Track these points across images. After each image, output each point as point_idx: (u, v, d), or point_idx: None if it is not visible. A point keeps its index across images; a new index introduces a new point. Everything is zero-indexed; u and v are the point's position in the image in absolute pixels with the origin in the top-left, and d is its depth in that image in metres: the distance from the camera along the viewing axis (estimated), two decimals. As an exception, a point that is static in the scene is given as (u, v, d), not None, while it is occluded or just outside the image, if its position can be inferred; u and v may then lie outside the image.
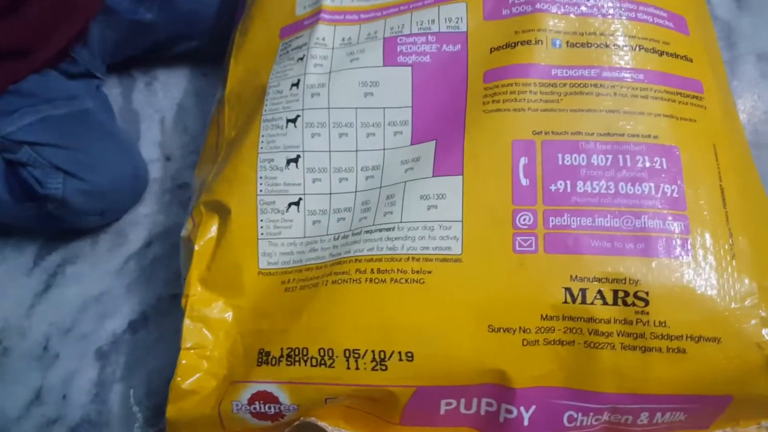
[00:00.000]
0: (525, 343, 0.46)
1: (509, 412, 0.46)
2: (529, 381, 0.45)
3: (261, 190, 0.54)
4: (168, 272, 0.70)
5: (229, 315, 0.51)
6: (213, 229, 0.54)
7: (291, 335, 0.48)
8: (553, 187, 0.48)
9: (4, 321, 0.69)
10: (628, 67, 0.51)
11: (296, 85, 0.57)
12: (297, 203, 0.53)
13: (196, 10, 0.77)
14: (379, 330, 0.47)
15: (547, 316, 0.46)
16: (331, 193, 0.53)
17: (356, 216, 0.50)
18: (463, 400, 0.47)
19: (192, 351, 0.51)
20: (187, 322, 0.51)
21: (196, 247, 0.53)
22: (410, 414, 0.47)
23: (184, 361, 0.50)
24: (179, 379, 0.49)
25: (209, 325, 0.51)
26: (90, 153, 0.67)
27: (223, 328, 0.51)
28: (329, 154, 0.54)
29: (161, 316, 0.67)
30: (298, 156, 0.54)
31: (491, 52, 0.53)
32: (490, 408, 0.47)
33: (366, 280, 0.48)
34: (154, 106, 0.82)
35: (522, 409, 0.46)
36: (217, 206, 0.54)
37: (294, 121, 0.55)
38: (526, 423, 0.46)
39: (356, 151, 0.53)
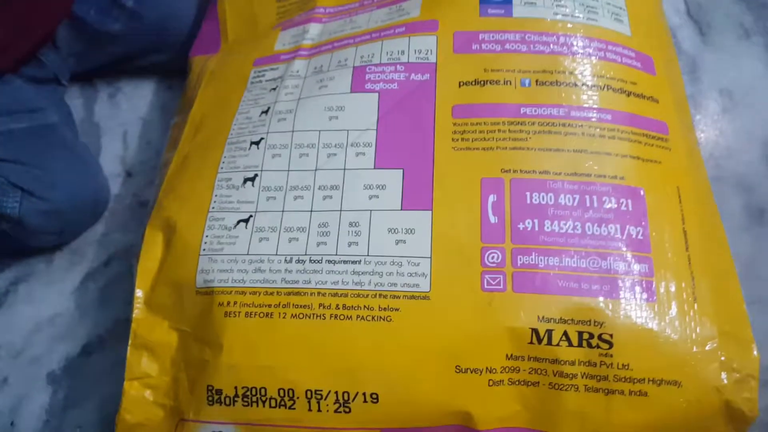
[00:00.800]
0: (491, 383, 0.45)
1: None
2: (494, 422, 0.45)
3: (213, 207, 0.52)
4: (127, 293, 0.67)
5: (172, 340, 0.50)
6: (158, 248, 0.52)
7: (247, 373, 0.46)
8: (521, 226, 0.47)
9: (-49, 341, 0.65)
10: (596, 107, 0.51)
11: (265, 112, 0.56)
12: (246, 220, 0.51)
13: (165, 24, 0.75)
14: (344, 370, 0.45)
15: (513, 355, 0.45)
16: (283, 211, 0.51)
17: (312, 238, 0.49)
18: (428, 441, 0.46)
19: (136, 381, 0.49)
20: (130, 350, 0.49)
21: (139, 268, 0.52)
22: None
23: (129, 393, 0.48)
24: (125, 411, 0.48)
25: (153, 351, 0.50)
26: (50, 171, 0.64)
27: (167, 354, 0.49)
28: (287, 173, 0.52)
29: (118, 340, 0.64)
30: (256, 175, 0.53)
31: (460, 86, 0.53)
32: (456, 449, 0.46)
33: (331, 317, 0.46)
34: (117, 119, 0.80)
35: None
36: (164, 223, 0.53)
37: (257, 143, 0.54)
38: None
39: (315, 170, 0.52)
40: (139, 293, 0.50)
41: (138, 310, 0.50)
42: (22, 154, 0.64)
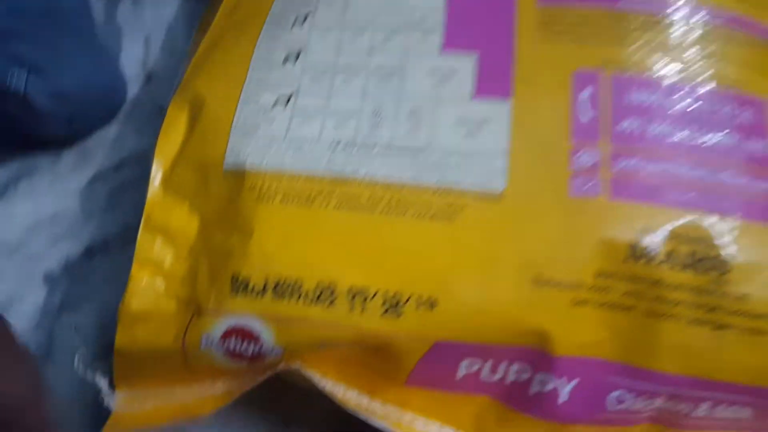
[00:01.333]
0: (575, 302, 0.37)
1: (544, 383, 0.37)
2: (575, 348, 0.37)
3: (248, 85, 0.44)
4: (138, 200, 0.58)
5: (192, 226, 0.42)
6: (181, 125, 0.45)
7: (280, 263, 0.38)
8: (622, 125, 0.40)
9: (-60, 232, 0.57)
10: (712, 6, 0.42)
11: None
12: (287, 100, 0.43)
13: None
14: (396, 269, 0.37)
15: (604, 273, 0.37)
16: (331, 92, 0.43)
17: (364, 124, 0.41)
18: (489, 363, 0.37)
19: (146, 268, 0.41)
20: (141, 233, 0.42)
21: (158, 145, 0.44)
22: (421, 373, 0.38)
23: (137, 279, 0.41)
24: (130, 299, 0.40)
25: (169, 236, 0.42)
26: (62, 52, 0.56)
27: (185, 241, 0.41)
28: (336, 53, 0.44)
29: (124, 246, 0.56)
30: (300, 52, 0.45)
31: None
32: (522, 376, 0.38)
33: (382, 211, 0.38)
34: (140, 24, 0.72)
35: (561, 381, 0.37)
36: (191, 100, 0.45)
37: (303, 20, 0.46)
38: (562, 399, 0.37)
39: (370, 52, 0.44)
40: (156, 173, 0.42)
41: (154, 192, 0.42)
42: (33, 31, 0.56)
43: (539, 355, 0.37)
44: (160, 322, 0.39)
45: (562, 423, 0.38)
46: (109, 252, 0.57)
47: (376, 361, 0.38)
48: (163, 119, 0.65)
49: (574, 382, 0.37)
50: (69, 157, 0.63)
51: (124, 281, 0.54)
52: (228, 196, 0.40)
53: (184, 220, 0.40)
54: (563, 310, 0.37)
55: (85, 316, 0.53)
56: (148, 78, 0.68)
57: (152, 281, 0.39)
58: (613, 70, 0.41)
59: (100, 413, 0.43)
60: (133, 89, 0.67)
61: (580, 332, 0.37)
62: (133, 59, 0.69)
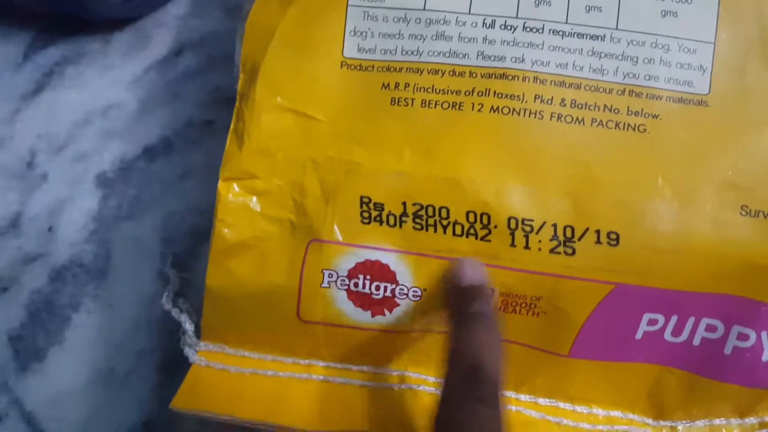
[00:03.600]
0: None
1: (744, 338, 0.28)
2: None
3: None
4: (201, 92, 0.49)
5: (294, 129, 0.31)
6: None
7: (421, 185, 0.29)
8: None
9: (-23, 124, 0.48)
10: None
11: None
12: None
13: None
14: (570, 194, 0.28)
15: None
16: None
17: None
18: (674, 319, 0.29)
19: (236, 182, 0.31)
20: (230, 137, 0.32)
21: (247, 24, 0.33)
22: (590, 336, 0.29)
23: (225, 197, 0.31)
24: (222, 225, 0.30)
25: (263, 140, 0.31)
26: None
27: (284, 149, 0.31)
28: None
29: (189, 145, 0.47)
30: None
31: None
32: (711, 335, 0.29)
33: (552, 116, 0.28)
34: None
35: (765, 335, 0.28)
36: None
37: None
38: (766, 357, 0.28)
39: None
40: (245, 58, 0.32)
41: (243, 81, 0.31)
42: None
43: (739, 305, 0.29)
44: (265, 252, 0.29)
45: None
46: (171, 153, 0.48)
47: (533, 323, 0.29)
48: (228, -1, 0.54)
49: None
50: (121, 40, 0.53)
51: (188, 190, 0.45)
52: (347, 96, 0.30)
53: (282, 122, 0.30)
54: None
55: (147, 228, 0.44)
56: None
57: (245, 201, 0.30)
58: None
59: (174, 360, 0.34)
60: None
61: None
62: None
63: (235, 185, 0.31)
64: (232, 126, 0.32)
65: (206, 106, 0.50)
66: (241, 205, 0.31)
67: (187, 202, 0.47)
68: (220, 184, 0.31)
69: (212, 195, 0.34)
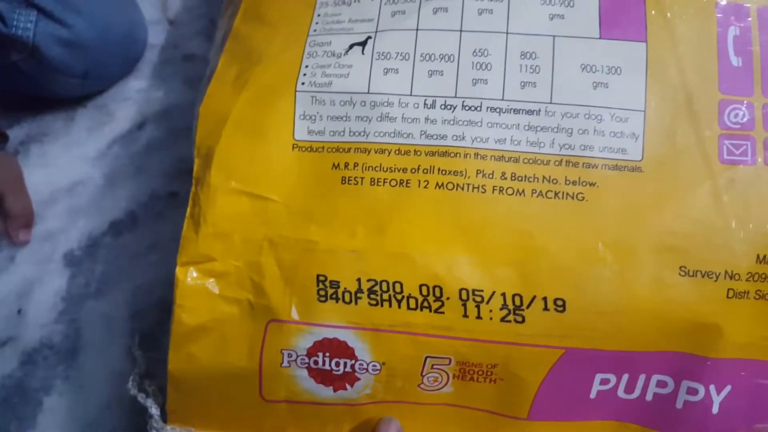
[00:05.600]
0: (731, 294, 0.29)
1: (693, 392, 0.29)
2: (730, 350, 0.29)
3: (315, 30, 0.35)
4: (165, 163, 0.50)
5: (249, 210, 0.32)
6: (228, 85, 0.34)
7: (375, 261, 0.30)
8: None
9: (-57, 207, 0.48)
10: None
11: None
12: (363, 43, 0.33)
13: None
14: (516, 264, 0.29)
15: (765, 258, 0.29)
16: (418, 29, 0.33)
17: (465, 72, 0.32)
18: (626, 377, 0.30)
19: (193, 266, 0.32)
20: (187, 222, 0.33)
21: (201, 109, 0.34)
22: (547, 398, 0.30)
23: (183, 282, 0.31)
24: (181, 310, 0.31)
25: (219, 223, 0.32)
26: (75, -10, 0.46)
27: (241, 229, 0.32)
28: None
29: (155, 218, 0.47)
30: None
31: None
32: (662, 390, 0.30)
33: (495, 189, 0.29)
34: (157, -42, 0.60)
35: (713, 388, 0.29)
36: (243, 53, 0.35)
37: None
38: (715, 410, 0.29)
39: None
40: (201, 144, 0.32)
41: (199, 168, 0.32)
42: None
43: (686, 361, 0.29)
44: (225, 334, 0.30)
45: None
46: (137, 226, 0.48)
47: (490, 390, 0.30)
48: (188, 68, 0.55)
49: (727, 389, 0.30)
50: (84, 117, 0.53)
51: (154, 262, 0.45)
52: (300, 177, 0.31)
53: (237, 204, 0.31)
54: (718, 305, 0.29)
55: (115, 304, 0.45)
56: (170, 23, 0.57)
57: (202, 284, 0.30)
58: (759, 0, 0.31)
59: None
60: (152, 36, 0.56)
61: (737, 330, 0.29)
62: (151, 1, 0.59)
63: (192, 269, 0.31)
64: (188, 211, 0.32)
65: (170, 177, 0.51)
66: (199, 288, 0.31)
67: (154, 275, 0.47)
68: (178, 270, 0.31)
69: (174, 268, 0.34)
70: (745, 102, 0.30)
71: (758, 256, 0.29)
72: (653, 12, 0.32)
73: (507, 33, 0.32)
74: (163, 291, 0.44)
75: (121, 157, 0.52)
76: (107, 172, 0.51)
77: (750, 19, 0.31)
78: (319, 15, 0.34)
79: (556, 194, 0.30)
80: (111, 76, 0.52)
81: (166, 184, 0.50)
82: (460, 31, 0.32)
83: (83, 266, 0.46)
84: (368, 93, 0.32)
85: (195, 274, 0.31)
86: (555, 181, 0.30)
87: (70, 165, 0.51)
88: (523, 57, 0.31)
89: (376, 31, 0.33)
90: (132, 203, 0.49)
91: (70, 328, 0.44)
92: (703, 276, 0.29)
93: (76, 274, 0.46)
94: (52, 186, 0.50)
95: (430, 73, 0.32)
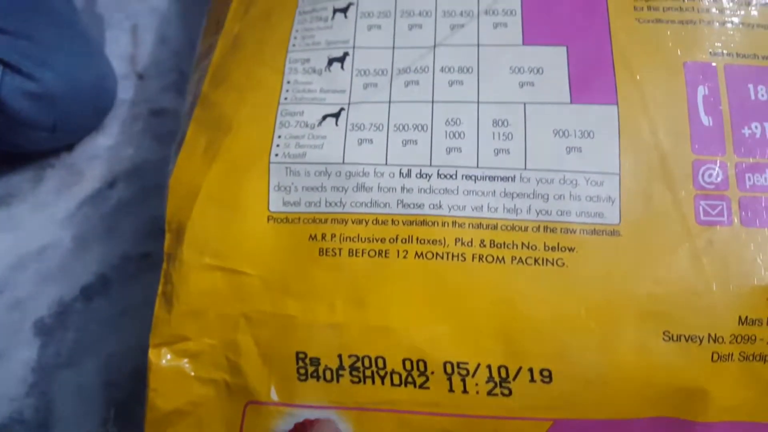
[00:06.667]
0: (715, 358, 0.29)
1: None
2: (716, 413, 0.29)
3: (285, 98, 0.34)
4: (137, 223, 0.49)
5: (223, 286, 0.31)
6: (199, 156, 0.33)
7: (356, 336, 0.29)
8: (746, 131, 0.30)
9: None
10: None
11: None
12: (336, 114, 0.33)
13: None
14: (499, 335, 0.28)
15: (747, 319, 0.29)
16: (390, 101, 0.33)
17: (439, 141, 0.31)
18: (614, 444, 0.28)
19: (166, 347, 0.31)
20: (158, 301, 0.31)
21: (172, 181, 0.33)
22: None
23: (157, 365, 0.30)
24: (155, 394, 0.30)
25: (192, 301, 0.30)
26: (42, 43, 0.46)
27: (215, 307, 0.31)
28: (392, 51, 0.34)
29: (127, 282, 0.46)
30: (346, 54, 0.35)
31: None
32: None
33: (474, 258, 0.29)
34: (125, 11, 0.60)
35: (701, 455, 0.28)
36: (213, 122, 0.34)
37: (344, 10, 0.35)
38: None
39: (434, 46, 0.34)
40: (172, 218, 0.32)
41: (169, 242, 0.31)
42: (7, 20, 0.45)
43: (675, 427, 0.29)
44: (202, 418, 0.29)
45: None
46: (109, 291, 0.47)
47: None
48: (159, 124, 0.54)
49: (715, 454, 0.28)
50: (53, 178, 0.52)
51: (127, 328, 0.44)
52: (275, 249, 0.30)
53: (211, 280, 0.30)
54: (703, 370, 0.29)
55: (88, 374, 0.43)
56: (139, 77, 0.57)
57: (176, 365, 0.29)
58: (727, 59, 0.32)
59: None
60: (122, 91, 0.56)
61: (723, 394, 0.29)
62: (120, 55, 0.58)
63: (166, 351, 0.30)
64: (160, 289, 0.31)
65: (142, 237, 0.50)
66: (173, 370, 0.30)
67: (127, 342, 0.46)
68: (151, 352, 0.30)
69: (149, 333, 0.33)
70: (718, 161, 0.30)
71: (740, 317, 0.29)
72: (623, 74, 0.32)
73: (478, 102, 0.32)
74: (137, 359, 0.42)
75: (92, 218, 0.50)
76: (77, 233, 0.49)
77: (718, 77, 0.31)
78: (288, 82, 0.34)
79: (536, 261, 0.29)
80: (80, 128, 0.51)
81: (138, 245, 0.49)
82: (432, 102, 0.32)
83: (54, 335, 0.45)
84: (343, 163, 0.31)
85: (169, 356, 0.30)
86: (534, 248, 0.29)
87: (39, 228, 0.50)
88: (495, 125, 0.31)
89: (349, 103, 0.32)
90: (103, 266, 0.48)
91: (41, 401, 0.42)
92: (687, 340, 0.28)
93: (47, 344, 0.44)
94: (21, 250, 0.49)
95: (404, 142, 0.31)
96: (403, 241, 0.30)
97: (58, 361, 0.44)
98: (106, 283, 0.47)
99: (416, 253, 0.30)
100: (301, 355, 0.29)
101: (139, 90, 0.56)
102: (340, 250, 0.30)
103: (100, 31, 0.58)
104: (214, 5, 0.43)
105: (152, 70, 0.57)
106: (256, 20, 0.37)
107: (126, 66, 0.57)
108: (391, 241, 0.30)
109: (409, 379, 0.28)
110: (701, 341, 0.28)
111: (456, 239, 0.30)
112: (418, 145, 0.31)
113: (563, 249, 0.29)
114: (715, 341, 0.29)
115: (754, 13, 0.33)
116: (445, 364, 0.28)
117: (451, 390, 0.28)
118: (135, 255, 0.48)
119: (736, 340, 0.29)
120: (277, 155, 0.32)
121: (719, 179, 0.30)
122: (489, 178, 0.30)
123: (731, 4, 0.33)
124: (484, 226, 0.30)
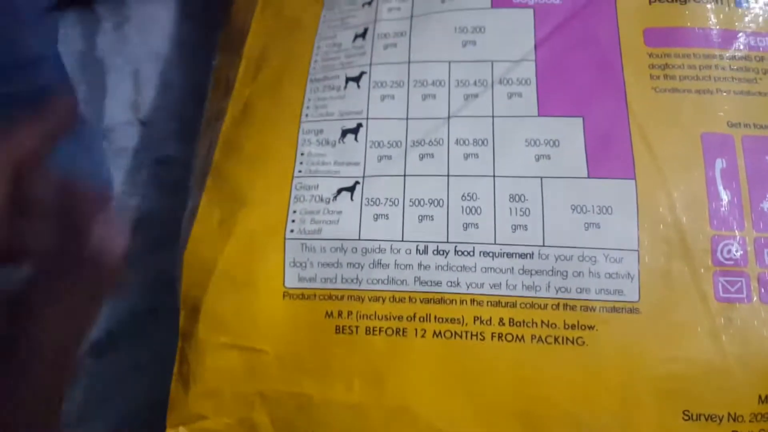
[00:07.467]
0: (735, 437, 0.27)
1: None
2: (738, 496, 0.28)
3: (300, 171, 0.34)
4: (144, 276, 0.48)
5: (239, 364, 0.31)
6: (214, 229, 0.33)
7: (373, 415, 0.29)
8: (764, 205, 0.30)
9: None
10: None
11: (362, 35, 0.37)
12: (351, 188, 0.33)
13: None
14: (518, 415, 0.28)
15: (767, 398, 0.28)
16: (405, 175, 0.33)
17: (456, 217, 0.31)
18: None
19: (183, 425, 0.31)
20: (174, 383, 0.32)
21: (186, 255, 0.33)
22: None
23: None
24: None
25: (209, 381, 0.31)
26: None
27: (231, 384, 0.31)
28: (406, 122, 0.34)
29: (136, 339, 0.45)
30: (360, 125, 0.35)
31: (650, 2, 0.34)
32: None
33: (492, 336, 0.29)
34: (126, 55, 0.59)
35: None
36: (225, 192, 0.34)
37: (357, 79, 0.35)
38: None
39: (448, 117, 0.33)
40: (185, 297, 0.32)
41: (184, 320, 0.31)
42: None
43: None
44: None
45: None
46: (117, 347, 0.46)
47: None
48: (164, 172, 0.54)
49: None
50: (57, 230, 0.51)
51: (139, 383, 0.44)
52: (291, 326, 0.30)
53: (226, 358, 0.30)
54: (723, 450, 0.28)
55: (100, 435, 0.43)
56: (142, 124, 0.56)
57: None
58: (744, 130, 0.32)
59: None
60: (124, 138, 0.55)
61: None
62: (122, 101, 0.58)
63: (183, 430, 0.30)
64: (176, 368, 0.31)
65: (149, 292, 0.49)
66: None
67: (137, 400, 0.45)
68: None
69: (160, 390, 0.33)
70: (737, 237, 0.30)
71: (760, 396, 0.29)
72: (639, 147, 0.32)
73: (494, 176, 0.32)
74: (148, 416, 0.42)
75: (98, 271, 0.50)
76: (84, 288, 0.49)
77: (735, 149, 0.31)
78: (302, 154, 0.34)
79: (555, 339, 0.29)
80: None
81: (146, 300, 0.49)
82: (448, 176, 0.32)
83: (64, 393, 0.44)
84: (359, 240, 0.31)
85: (181, 435, 0.30)
86: (554, 326, 0.29)
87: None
88: (512, 200, 0.31)
89: (364, 176, 0.32)
90: (111, 322, 0.47)
91: (50, 465, 0.42)
92: (706, 419, 0.28)
93: (55, 404, 0.44)
94: (27, 306, 0.48)
95: (420, 218, 0.31)
96: (421, 319, 0.30)
97: (67, 420, 0.43)
98: (114, 339, 0.46)
99: (434, 332, 0.30)
100: (319, 436, 0.29)
101: (143, 137, 0.55)
102: (357, 327, 0.30)
103: (101, 76, 0.58)
104: (220, 64, 0.43)
105: (155, 115, 0.57)
106: (266, 86, 0.37)
107: (128, 113, 0.57)
108: (409, 319, 0.30)
109: (431, 463, 0.28)
110: (721, 420, 0.29)
111: (475, 318, 0.30)
112: (434, 221, 0.31)
113: (583, 327, 0.29)
114: (735, 420, 0.29)
115: (764, 81, 0.33)
116: (469, 448, 0.28)
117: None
118: (143, 309, 0.48)
119: (756, 419, 0.29)
120: (292, 231, 0.32)
121: (738, 255, 0.30)
122: (507, 255, 0.30)
123: (748, 72, 0.33)
124: (503, 304, 0.30)
